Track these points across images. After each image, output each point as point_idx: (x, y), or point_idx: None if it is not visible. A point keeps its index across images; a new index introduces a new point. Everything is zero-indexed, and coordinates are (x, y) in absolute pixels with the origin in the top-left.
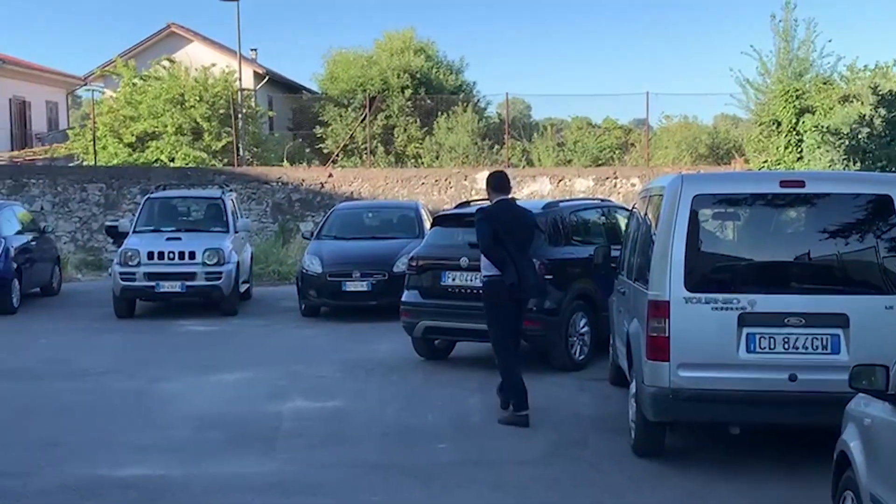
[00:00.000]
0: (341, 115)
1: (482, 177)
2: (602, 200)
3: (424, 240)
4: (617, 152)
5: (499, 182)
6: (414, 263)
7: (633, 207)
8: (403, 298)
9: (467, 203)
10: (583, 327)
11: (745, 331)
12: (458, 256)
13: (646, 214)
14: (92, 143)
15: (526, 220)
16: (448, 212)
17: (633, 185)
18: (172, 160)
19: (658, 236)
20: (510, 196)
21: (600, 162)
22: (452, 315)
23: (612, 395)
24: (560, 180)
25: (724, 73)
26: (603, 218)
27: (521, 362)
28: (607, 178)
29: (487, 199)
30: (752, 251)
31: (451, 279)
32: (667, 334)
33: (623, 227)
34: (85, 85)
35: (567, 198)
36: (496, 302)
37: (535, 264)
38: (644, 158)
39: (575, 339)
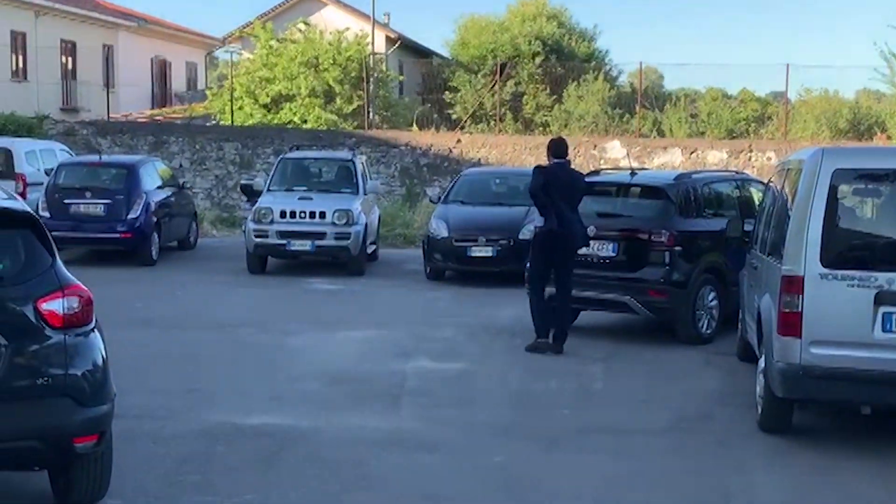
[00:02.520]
0: (471, 82)
1: (612, 146)
2: (736, 173)
3: None
4: (752, 125)
5: (557, 147)
6: None
7: (769, 181)
8: (529, 265)
9: (596, 172)
10: (711, 301)
11: (882, 310)
12: (585, 224)
13: (782, 188)
14: (229, 103)
15: (577, 181)
16: None
17: (769, 158)
18: (305, 122)
19: (795, 211)
20: (566, 160)
21: (735, 134)
22: (577, 283)
23: (739, 369)
24: (692, 152)
25: (867, 46)
26: (736, 191)
27: (545, 298)
28: (742, 152)
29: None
30: (893, 229)
31: None
32: (800, 310)
33: (757, 201)
34: (223, 46)
35: (700, 169)
36: (539, 248)
37: (584, 222)
38: (781, 132)
39: (703, 312)
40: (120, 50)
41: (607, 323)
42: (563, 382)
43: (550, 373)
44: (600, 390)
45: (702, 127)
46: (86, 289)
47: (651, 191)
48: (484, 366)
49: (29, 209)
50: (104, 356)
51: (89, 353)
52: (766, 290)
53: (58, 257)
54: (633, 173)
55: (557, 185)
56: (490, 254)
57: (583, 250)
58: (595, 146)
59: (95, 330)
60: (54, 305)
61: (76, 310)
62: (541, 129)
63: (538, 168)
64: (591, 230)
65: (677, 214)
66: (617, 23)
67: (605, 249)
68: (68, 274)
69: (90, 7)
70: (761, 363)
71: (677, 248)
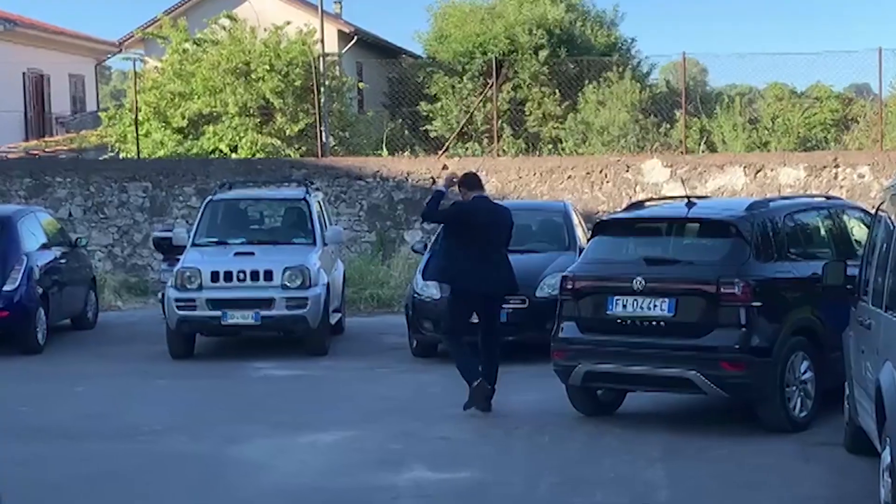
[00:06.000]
0: (454, 87)
1: (651, 167)
2: (828, 198)
3: (583, 253)
4: (832, 131)
5: (474, 181)
6: (570, 286)
7: (878, 209)
8: (556, 333)
9: (640, 204)
10: (804, 373)
11: None
12: (629, 276)
13: None
14: (133, 127)
15: (503, 217)
16: (615, 216)
17: (862, 176)
18: (235, 150)
19: None
20: (485, 194)
21: (810, 144)
22: (622, 355)
23: (849, 466)
24: (758, 171)
25: None
26: (829, 222)
27: (474, 352)
28: (825, 168)
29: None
30: None
31: (621, 306)
32: None
33: (856, 235)
34: (120, 52)
35: (778, 195)
36: (457, 300)
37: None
38: (874, 139)
39: (794, 388)
40: None
41: (665, 407)
42: (612, 493)
43: (593, 481)
44: (663, 503)
45: (764, 136)
46: None
47: (717, 227)
48: (502, 474)
49: None
50: None
51: None
52: (886, 356)
53: None
54: (690, 204)
55: (480, 224)
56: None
57: (625, 309)
58: (628, 167)
59: None
60: None
61: None
62: (549, 146)
63: (457, 205)
64: (637, 282)
65: (753, 258)
66: (640, 3)
67: (659, 308)
68: None
69: None
70: (885, 457)
71: (756, 304)
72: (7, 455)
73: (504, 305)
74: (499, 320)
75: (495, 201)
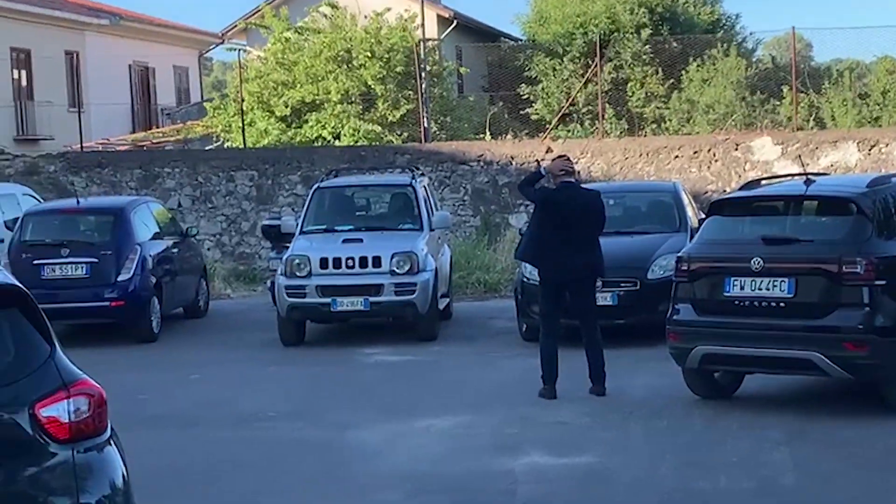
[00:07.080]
0: (555, 69)
1: (761, 145)
2: None
3: (699, 234)
4: None
5: (563, 168)
6: (685, 267)
7: None
8: (671, 315)
9: (756, 182)
10: None
11: None
12: (747, 256)
13: None
14: (236, 118)
15: (590, 203)
16: (732, 195)
17: None
18: (338, 137)
19: None
20: (572, 181)
21: None
22: (741, 337)
23: None
24: (872, 146)
25: None
26: None
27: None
28: None
29: None
30: None
31: (739, 287)
32: None
33: None
34: (223, 43)
35: None
36: (544, 289)
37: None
38: None
39: None
40: (88, 57)
41: (786, 389)
42: (736, 478)
43: (716, 465)
44: (792, 488)
45: (875, 111)
46: (97, 385)
47: (837, 204)
48: (622, 458)
49: (15, 281)
50: (125, 477)
51: (106, 475)
52: None
53: (57, 344)
54: (808, 181)
55: (567, 211)
56: (609, 302)
57: (743, 290)
58: (737, 146)
59: (111, 441)
60: (57, 410)
61: (86, 415)
62: (652, 126)
63: (543, 191)
64: (755, 262)
65: (875, 235)
66: None
67: (779, 289)
68: (73, 366)
69: (48, 4)
70: None
71: (879, 282)
72: (131, 443)
73: (615, 288)
74: (591, 304)
75: (584, 186)
